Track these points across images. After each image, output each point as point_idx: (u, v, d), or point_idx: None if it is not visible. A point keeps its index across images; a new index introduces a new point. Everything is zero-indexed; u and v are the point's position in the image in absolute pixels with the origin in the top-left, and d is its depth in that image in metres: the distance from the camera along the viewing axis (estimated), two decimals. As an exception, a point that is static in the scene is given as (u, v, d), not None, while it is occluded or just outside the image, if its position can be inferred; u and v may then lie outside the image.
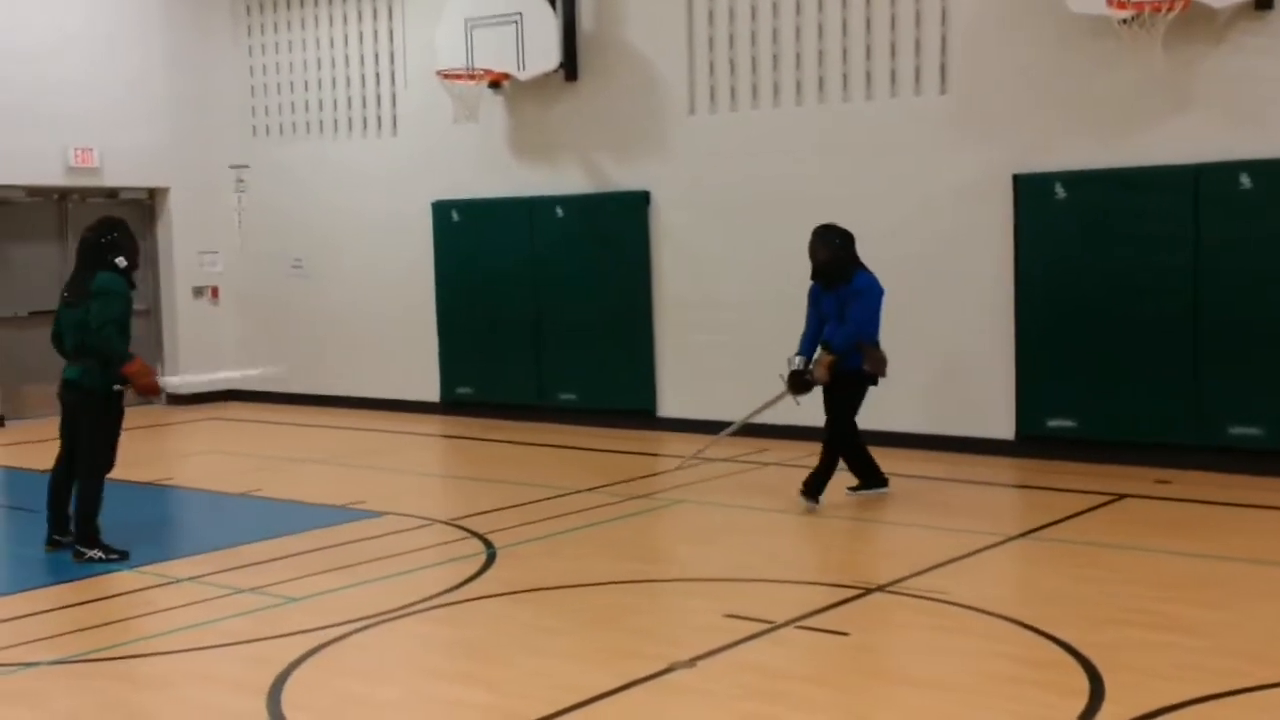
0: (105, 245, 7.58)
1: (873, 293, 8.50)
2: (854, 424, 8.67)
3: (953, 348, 10.51)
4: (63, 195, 13.98)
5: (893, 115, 10.70)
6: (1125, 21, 9.21)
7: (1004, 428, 10.30)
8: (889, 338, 10.69)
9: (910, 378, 10.68)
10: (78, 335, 7.49)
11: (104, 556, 7.49)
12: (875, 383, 8.59)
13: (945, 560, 7.13)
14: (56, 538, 7.80)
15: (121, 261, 7.55)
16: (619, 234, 12.14)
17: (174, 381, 8.19)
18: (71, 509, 7.65)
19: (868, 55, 10.79)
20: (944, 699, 5.09)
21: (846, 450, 8.67)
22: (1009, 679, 5.34)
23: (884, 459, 10.17)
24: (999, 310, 10.27)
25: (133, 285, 7.62)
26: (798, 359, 8.60)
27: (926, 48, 10.53)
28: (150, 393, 7.89)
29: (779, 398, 8.88)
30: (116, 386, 7.50)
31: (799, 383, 8.56)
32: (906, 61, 10.62)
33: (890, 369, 10.67)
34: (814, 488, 8.51)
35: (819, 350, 8.52)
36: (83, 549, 7.53)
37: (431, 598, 6.60)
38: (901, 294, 10.68)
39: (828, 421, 8.62)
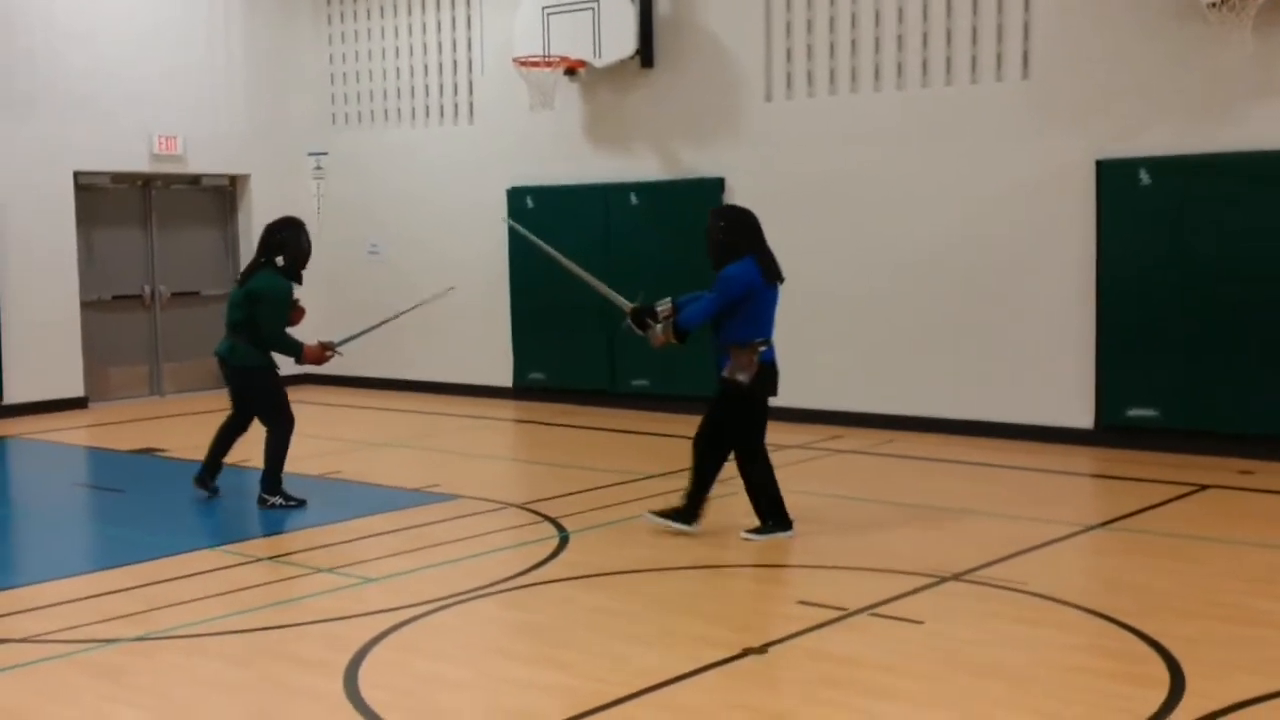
0: (273, 243, 8.47)
1: (730, 283, 7.26)
2: (749, 447, 7.40)
3: (1032, 335, 10.37)
4: (146, 182, 14.23)
5: (974, 101, 10.57)
6: (1214, 5, 9.03)
7: (1083, 417, 10.15)
8: (965, 325, 10.64)
9: (989, 365, 10.59)
10: (233, 312, 8.46)
11: (283, 503, 8.42)
12: (773, 393, 7.43)
13: (1022, 550, 7.04)
14: (203, 477, 8.78)
15: (280, 260, 8.42)
16: (694, 220, 12.02)
17: (344, 349, 8.64)
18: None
19: (948, 40, 10.67)
20: (1021, 689, 5.03)
21: (706, 465, 7.46)
22: (1087, 670, 5.27)
23: (962, 447, 10.13)
24: (1080, 298, 10.12)
25: (294, 280, 8.49)
26: (667, 304, 7.59)
27: (1009, 32, 10.38)
28: (322, 363, 8.74)
29: (622, 314, 7.85)
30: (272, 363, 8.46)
31: (639, 320, 7.60)
32: (988, 46, 10.48)
33: (974, 355, 10.59)
34: (685, 512, 7.51)
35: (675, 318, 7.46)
36: (265, 495, 8.46)
37: (505, 580, 6.64)
38: (981, 281, 10.60)
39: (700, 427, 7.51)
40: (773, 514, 7.50)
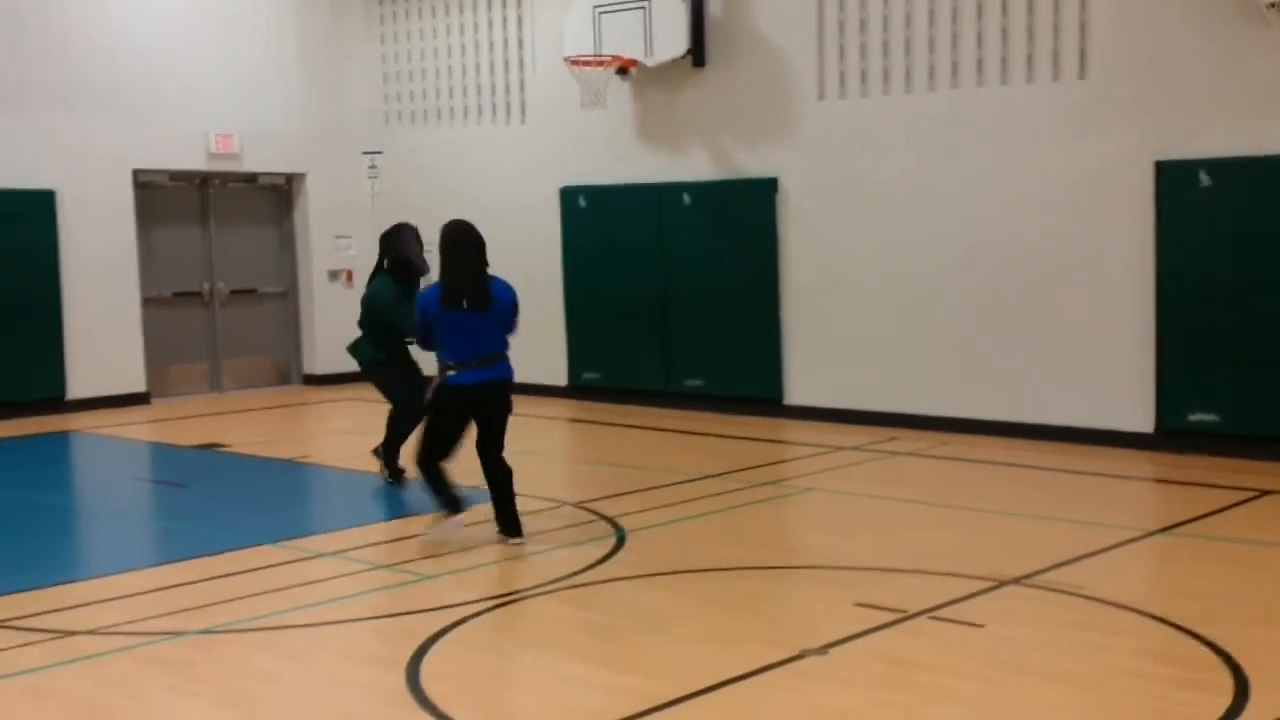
0: (382, 247, 9.10)
1: (417, 305, 7.59)
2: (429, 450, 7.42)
3: (1090, 338, 10.28)
4: (204, 180, 14.40)
5: (1029, 101, 10.49)
6: (1273, 5, 8.93)
7: (1143, 421, 10.04)
8: (1021, 327, 10.57)
9: (1047, 368, 10.51)
10: (361, 312, 9.13)
11: (387, 478, 9.10)
12: (462, 416, 7.40)
13: (1083, 554, 6.99)
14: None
15: (385, 263, 9.03)
16: (746, 220, 12.11)
17: None
18: None
19: (1004, 39, 10.59)
20: (1082, 694, 5.00)
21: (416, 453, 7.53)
22: (1149, 676, 5.24)
23: (1019, 450, 10.06)
24: (1139, 300, 10.02)
25: (404, 283, 8.88)
26: None
27: (1065, 31, 10.29)
28: None
29: None
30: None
31: None
32: (1044, 45, 10.40)
33: (1031, 357, 10.51)
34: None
35: None
36: (382, 465, 9.20)
37: (563, 578, 6.68)
38: (1038, 283, 10.52)
39: None
40: (452, 501, 7.51)
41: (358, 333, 9.21)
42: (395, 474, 9.13)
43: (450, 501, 7.49)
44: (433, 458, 7.42)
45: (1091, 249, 10.24)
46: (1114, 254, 10.14)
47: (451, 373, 7.25)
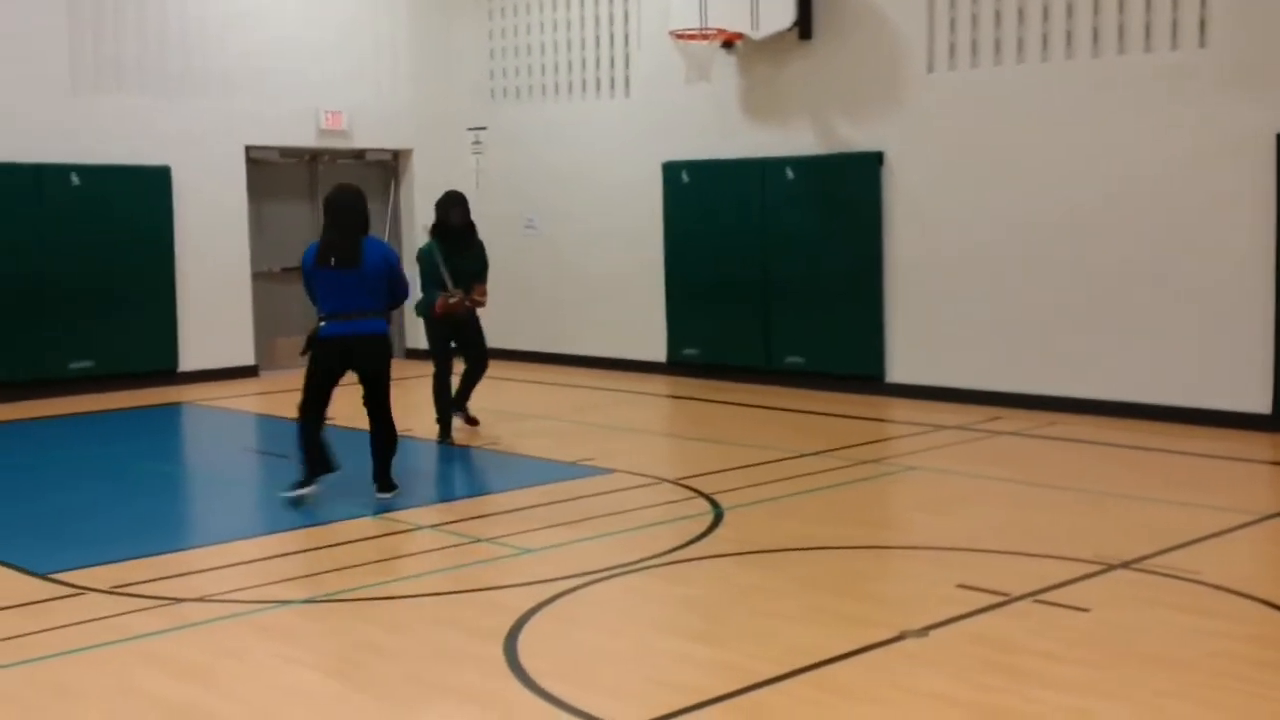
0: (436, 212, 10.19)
1: (302, 259, 8.06)
2: (307, 397, 7.92)
3: (1206, 315, 9.98)
4: (313, 156, 14.62)
5: (1147, 71, 10.18)
6: None
7: (1260, 401, 9.74)
8: (1133, 304, 10.29)
9: (1160, 347, 10.23)
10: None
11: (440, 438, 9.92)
12: (333, 365, 7.92)
13: (1196, 538, 6.80)
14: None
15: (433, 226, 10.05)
16: (850, 196, 11.95)
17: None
18: None
19: (1120, 8, 10.29)
20: (1191, 682, 4.86)
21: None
22: (1261, 663, 5.07)
23: (1132, 431, 9.82)
24: (1257, 277, 9.70)
25: (442, 241, 9.82)
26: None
27: (1184, -1, 9.98)
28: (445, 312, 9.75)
29: None
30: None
31: None
32: (1163, 14, 10.08)
33: (1142, 335, 10.28)
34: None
35: None
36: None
37: (660, 555, 6.67)
38: (1151, 259, 10.24)
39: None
40: (313, 465, 7.91)
41: None
42: (446, 423, 9.90)
43: (311, 465, 7.88)
44: (306, 407, 7.91)
45: (1208, 224, 9.93)
46: (1232, 229, 9.82)
47: (322, 324, 7.82)
